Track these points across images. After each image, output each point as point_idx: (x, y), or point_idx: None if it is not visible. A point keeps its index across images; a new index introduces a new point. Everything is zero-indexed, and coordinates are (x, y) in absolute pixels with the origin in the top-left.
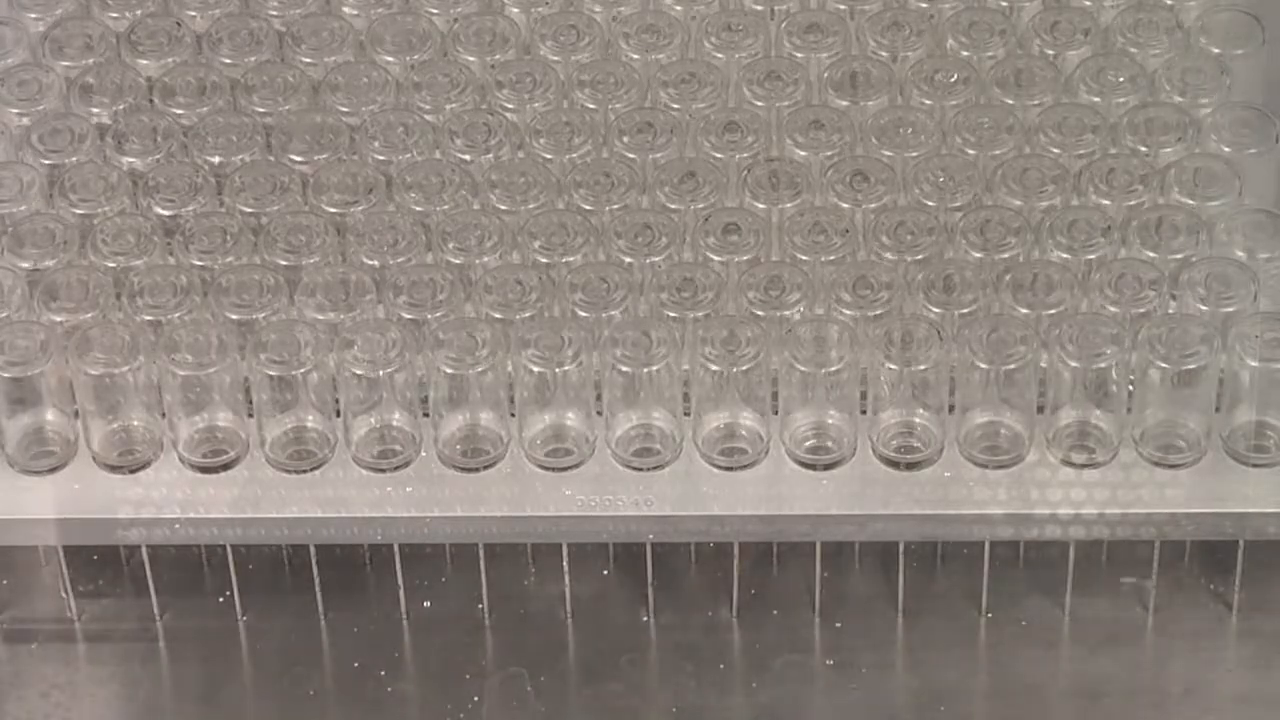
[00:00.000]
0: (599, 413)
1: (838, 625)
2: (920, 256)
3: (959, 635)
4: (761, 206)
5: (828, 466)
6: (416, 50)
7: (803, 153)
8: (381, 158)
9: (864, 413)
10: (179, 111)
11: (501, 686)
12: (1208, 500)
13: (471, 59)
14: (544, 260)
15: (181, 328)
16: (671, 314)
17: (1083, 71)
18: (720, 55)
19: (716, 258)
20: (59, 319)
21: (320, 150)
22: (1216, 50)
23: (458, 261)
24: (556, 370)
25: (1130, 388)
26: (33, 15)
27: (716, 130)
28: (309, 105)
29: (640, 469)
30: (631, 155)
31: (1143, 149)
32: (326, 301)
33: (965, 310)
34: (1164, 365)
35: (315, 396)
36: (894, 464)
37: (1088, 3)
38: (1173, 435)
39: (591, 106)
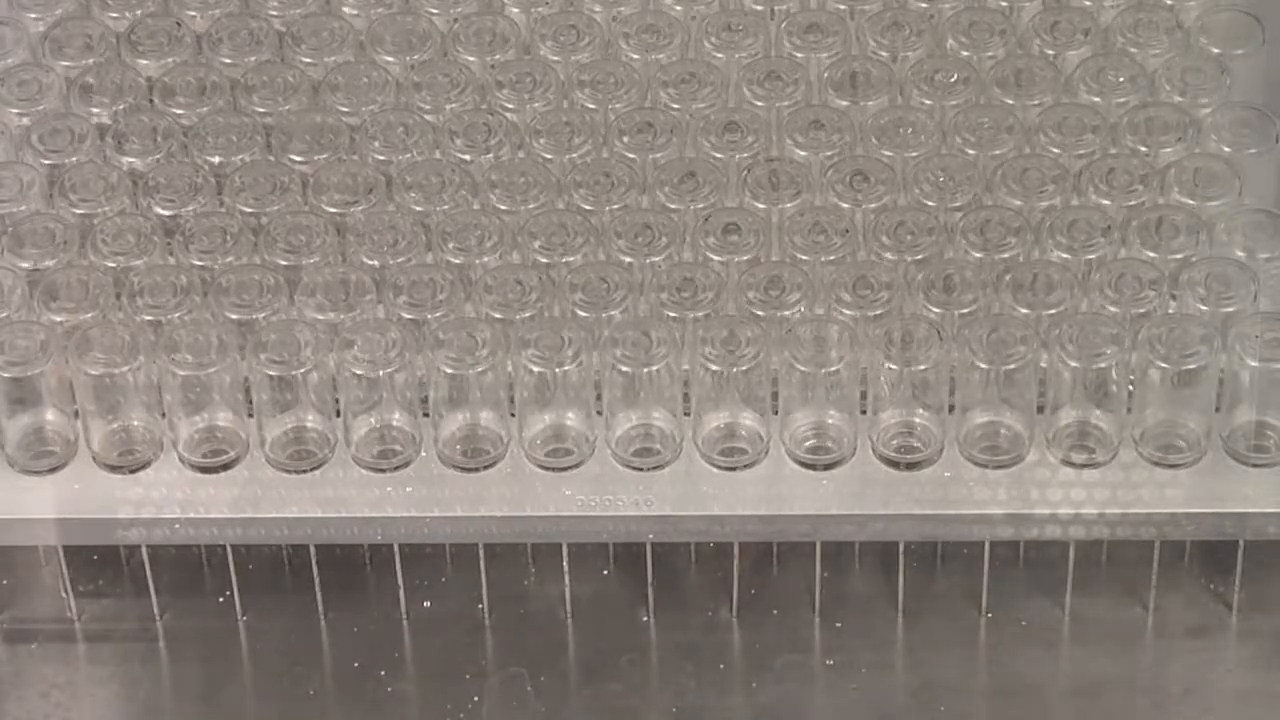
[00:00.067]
0: (599, 413)
1: (838, 625)
2: (920, 256)
3: (959, 635)
4: (761, 206)
5: (828, 466)
6: (416, 50)
7: (803, 153)
8: (381, 158)
9: (864, 413)
10: (179, 111)
11: (501, 686)
12: (1208, 500)
13: (471, 59)
14: (544, 260)
15: (181, 328)
16: (671, 314)
17: (1083, 71)
18: (720, 55)
19: (716, 258)
20: (59, 319)
21: (320, 150)
22: (1216, 50)
23: (458, 261)
24: (556, 370)
25: (1130, 388)
26: (33, 15)
27: (716, 130)
28: (309, 105)
29: (640, 469)
30: (631, 155)
31: (1143, 149)
32: (326, 301)
33: (965, 310)
34: (1164, 365)
35: (315, 396)
36: (894, 464)
37: (1088, 3)
38: (1173, 435)
39: (591, 106)
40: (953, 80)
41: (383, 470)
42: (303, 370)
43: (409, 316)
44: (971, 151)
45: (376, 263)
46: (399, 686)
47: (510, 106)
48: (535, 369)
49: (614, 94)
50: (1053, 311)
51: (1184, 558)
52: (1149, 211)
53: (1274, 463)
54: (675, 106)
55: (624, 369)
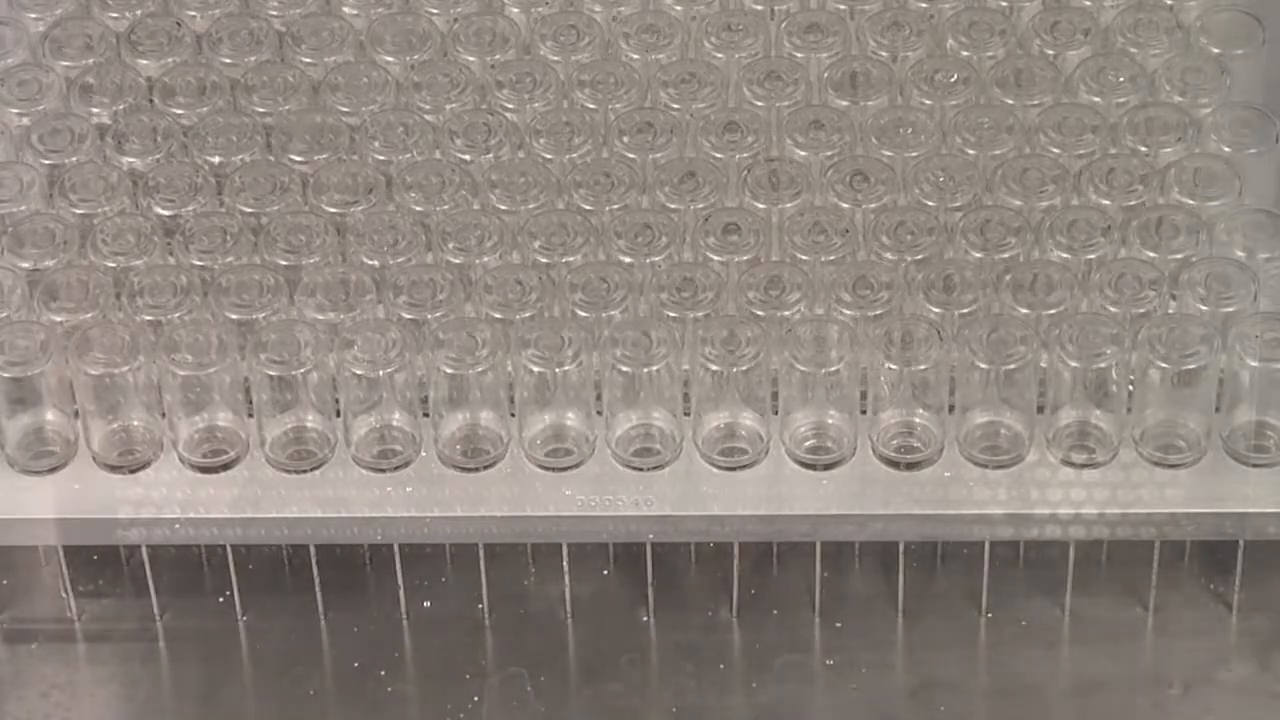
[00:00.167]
0: (599, 413)
1: (838, 625)
2: (920, 256)
3: (959, 635)
4: (761, 206)
5: (828, 466)
6: (416, 50)
7: (803, 153)
8: (381, 158)
9: (864, 413)
10: (179, 111)
11: (501, 686)
12: (1208, 500)
13: (471, 59)
14: (544, 260)
15: (181, 328)
16: (671, 314)
17: (1083, 71)
18: (720, 55)
19: (716, 258)
20: (59, 319)
21: (320, 150)
22: (1216, 50)
23: (458, 261)
24: (556, 370)
25: (1130, 388)
26: (33, 15)
27: (716, 130)
28: (309, 105)
29: (640, 469)
30: (631, 155)
31: (1143, 149)
32: (326, 301)
33: (965, 310)
34: (1164, 365)
35: (315, 396)
36: (894, 464)
37: (1088, 3)
38: (1173, 435)
39: (591, 106)
40: (953, 80)
41: (383, 470)
42: (303, 370)
43: (409, 316)
44: (971, 151)
45: (376, 263)
46: (399, 686)
47: (510, 106)
48: (535, 369)
49: (614, 94)
50: (1053, 311)
51: (1184, 558)
52: (1149, 211)
53: (1274, 463)
54: (675, 106)
55: (624, 369)
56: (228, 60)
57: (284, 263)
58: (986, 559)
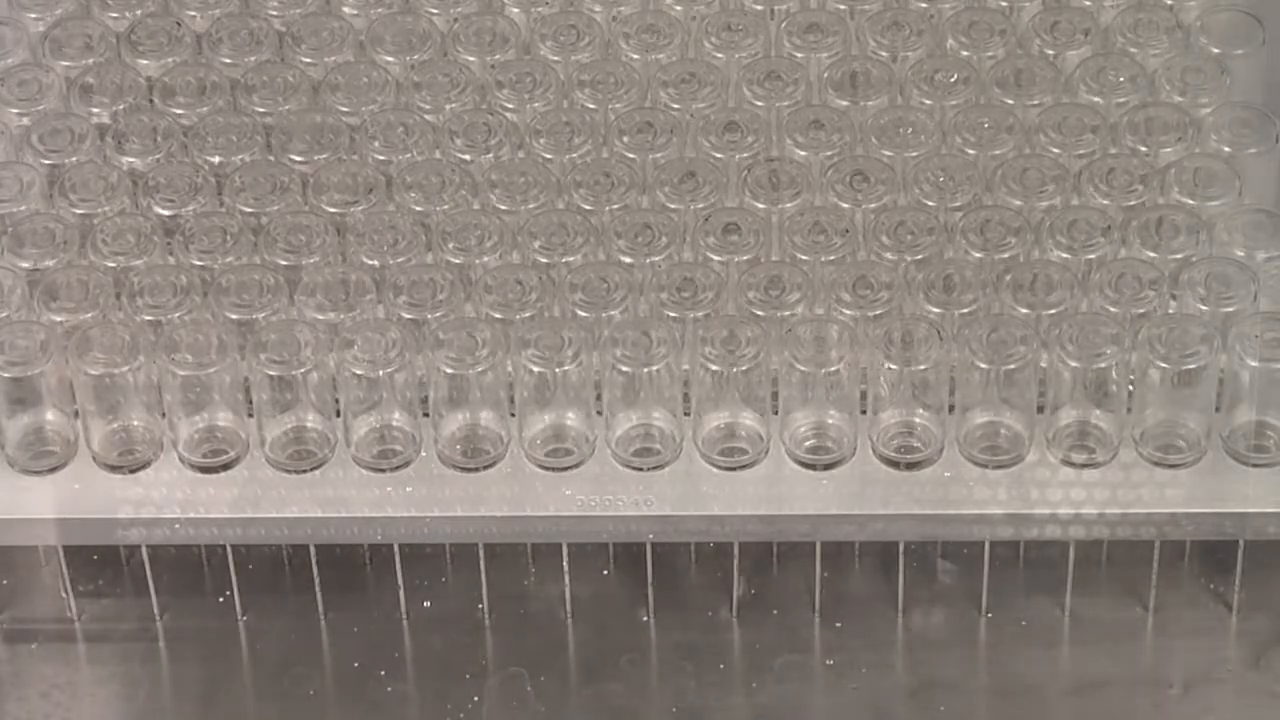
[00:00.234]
0: (599, 413)
1: (838, 625)
2: (920, 256)
3: (959, 635)
4: (761, 206)
5: (828, 466)
6: (416, 50)
7: (803, 153)
8: (381, 158)
9: (864, 413)
10: (179, 111)
11: (501, 686)
12: (1208, 500)
13: (471, 59)
14: (544, 260)
15: (181, 328)
16: (671, 314)
17: (1083, 71)
18: (720, 55)
19: (716, 258)
20: (59, 319)
21: (320, 150)
22: (1216, 50)
23: (458, 261)
24: (556, 370)
25: (1130, 388)
26: (33, 15)
27: (716, 130)
28: (309, 105)
29: (640, 469)
30: (631, 155)
31: (1143, 149)
32: (326, 301)
33: (965, 310)
34: (1164, 365)
35: (315, 396)
36: (894, 464)
37: (1088, 3)
38: (1173, 435)
39: (591, 106)
40: (953, 80)
41: (383, 470)
42: (303, 370)
43: (409, 316)
44: (971, 151)
45: (376, 263)
46: (399, 686)
47: (510, 106)
48: (535, 369)
49: (614, 94)
50: (1053, 311)
51: (1184, 558)
52: (1149, 211)
53: (1274, 463)
54: (675, 106)
55: (624, 369)
56: (228, 60)
57: (284, 263)
58: (986, 559)
